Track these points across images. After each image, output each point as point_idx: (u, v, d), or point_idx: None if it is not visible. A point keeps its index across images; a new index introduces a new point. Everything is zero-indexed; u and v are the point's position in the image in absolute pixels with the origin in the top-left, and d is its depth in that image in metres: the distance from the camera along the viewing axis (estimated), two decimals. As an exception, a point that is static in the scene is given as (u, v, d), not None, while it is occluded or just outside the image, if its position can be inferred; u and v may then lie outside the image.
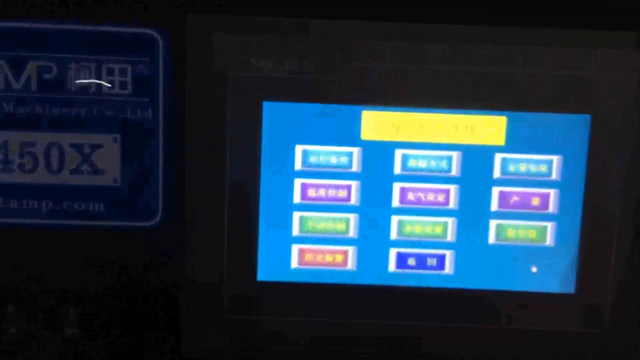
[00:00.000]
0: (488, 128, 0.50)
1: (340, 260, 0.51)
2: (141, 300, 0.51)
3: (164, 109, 0.49)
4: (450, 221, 0.51)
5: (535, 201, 0.51)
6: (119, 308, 0.51)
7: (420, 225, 0.51)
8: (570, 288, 0.52)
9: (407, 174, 0.51)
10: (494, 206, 0.51)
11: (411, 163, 0.50)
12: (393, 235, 0.51)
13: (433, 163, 0.51)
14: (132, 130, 0.49)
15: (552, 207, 0.51)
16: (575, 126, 0.50)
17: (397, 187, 0.51)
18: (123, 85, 0.49)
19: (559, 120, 0.50)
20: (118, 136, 0.49)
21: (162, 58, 0.49)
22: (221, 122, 0.49)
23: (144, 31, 0.49)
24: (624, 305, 0.52)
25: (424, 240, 0.51)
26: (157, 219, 0.50)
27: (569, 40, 0.49)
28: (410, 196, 0.51)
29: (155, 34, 0.49)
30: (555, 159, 0.50)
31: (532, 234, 0.51)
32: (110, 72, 0.49)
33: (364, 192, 0.51)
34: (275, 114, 0.50)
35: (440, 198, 0.51)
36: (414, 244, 0.51)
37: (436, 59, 0.49)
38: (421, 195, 0.51)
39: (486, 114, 0.50)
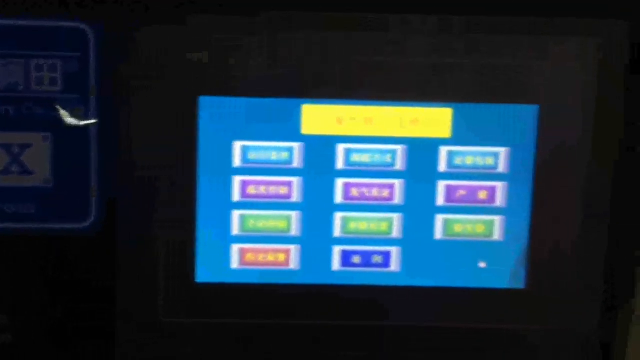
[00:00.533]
0: (433, 120, 0.49)
1: (282, 260, 0.50)
2: (74, 305, 0.49)
3: (96, 106, 0.47)
4: (396, 217, 0.50)
5: (483, 195, 0.50)
6: (51, 313, 0.49)
7: (364, 222, 0.50)
8: (520, 284, 0.51)
9: (350, 169, 0.49)
10: (440, 201, 0.50)
11: (354, 158, 0.49)
12: (337, 232, 0.50)
13: (377, 157, 0.49)
14: (63, 128, 0.48)
15: (499, 201, 0.50)
16: (523, 117, 0.49)
17: (340, 182, 0.49)
18: (53, 82, 0.47)
19: (506, 111, 0.49)
20: (49, 135, 0.47)
21: (94, 53, 0.47)
22: (155, 118, 0.47)
23: (74, 25, 0.47)
24: (575, 300, 0.51)
25: (368, 238, 0.50)
26: (91, 220, 0.48)
27: (516, 29, 0.48)
28: (354, 192, 0.49)
29: (86, 28, 0.47)
30: (503, 151, 0.49)
31: (480, 228, 0.50)
32: (39, 68, 0.47)
33: (306, 188, 0.49)
34: (211, 109, 0.48)
35: (385, 193, 0.49)
36: (358, 242, 0.50)
37: (378, 50, 0.48)
38: (365, 190, 0.49)
39: (431, 106, 0.49)
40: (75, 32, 0.47)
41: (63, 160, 0.48)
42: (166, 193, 0.48)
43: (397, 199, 0.49)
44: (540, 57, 0.48)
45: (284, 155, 0.49)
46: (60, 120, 0.47)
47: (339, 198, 0.49)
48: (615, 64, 0.47)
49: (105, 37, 0.47)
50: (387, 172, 0.49)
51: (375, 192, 0.49)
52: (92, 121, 0.47)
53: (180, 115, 0.48)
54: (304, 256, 0.50)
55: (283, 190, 0.49)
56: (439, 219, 0.50)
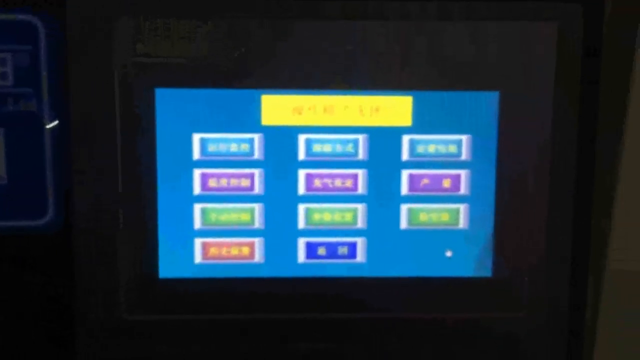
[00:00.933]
0: (394, 109, 0.48)
1: (246, 253, 0.49)
2: (31, 304, 0.47)
3: (49, 99, 0.46)
4: (360, 207, 0.49)
5: (447, 183, 0.49)
6: (7, 312, 0.47)
7: (328, 213, 0.49)
8: (487, 272, 0.50)
9: (312, 160, 0.48)
10: (404, 190, 0.49)
11: (316, 148, 0.48)
12: (301, 224, 0.49)
13: (339, 147, 0.48)
14: (16, 123, 0.46)
15: (463, 189, 0.49)
16: (484, 104, 0.49)
17: (302, 173, 0.48)
18: (4, 76, 0.46)
19: (466, 99, 0.49)
20: (1, 130, 0.46)
21: (45, 45, 0.46)
22: (111, 112, 0.46)
23: (24, 18, 0.46)
24: (542, 287, 0.50)
25: (333, 229, 0.49)
26: (47, 217, 0.47)
27: (475, 14, 0.47)
28: (317, 183, 0.49)
29: (36, 20, 0.46)
30: (465, 138, 0.49)
31: (445, 217, 0.50)
32: (-11, 62, 0.46)
33: (267, 180, 0.48)
34: (168, 102, 0.47)
35: (348, 183, 0.49)
36: (323, 233, 0.49)
37: (336, 38, 0.47)
38: (328, 181, 0.49)
39: (391, 94, 0.48)
40: (25, 25, 0.46)
41: (17, 156, 0.46)
42: (125, 187, 0.47)
43: (361, 189, 0.49)
44: (499, 43, 0.48)
45: (244, 146, 0.48)
46: (11, 115, 0.46)
47: (301, 189, 0.49)
48: (572, 48, 0.47)
49: (57, 30, 0.46)
50: (349, 162, 0.49)
51: (338, 183, 0.49)
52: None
53: (137, 107, 0.47)
54: (268, 249, 0.49)
55: (245, 183, 0.48)
56: (404, 208, 0.49)
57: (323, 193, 0.49)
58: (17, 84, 0.46)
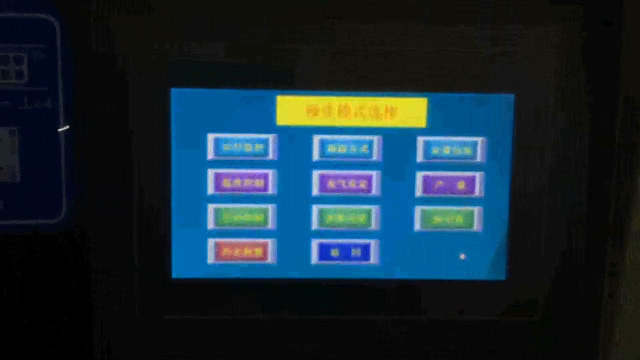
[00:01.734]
0: (409, 110, 0.48)
1: (259, 254, 0.49)
2: (47, 303, 0.47)
3: (64, 98, 0.46)
4: (374, 209, 0.49)
5: (461, 185, 0.49)
6: (23, 312, 0.47)
7: (342, 214, 0.49)
8: (501, 275, 0.50)
9: (326, 161, 0.48)
10: (419, 192, 0.49)
11: (330, 149, 0.48)
12: (314, 225, 0.49)
13: (353, 148, 0.48)
14: (31, 122, 0.46)
15: (478, 191, 0.49)
16: (499, 106, 0.48)
17: (316, 174, 0.48)
18: (19, 74, 0.46)
19: (482, 101, 0.48)
20: (15, 129, 0.46)
21: (60, 44, 0.46)
22: (126, 111, 0.46)
23: (40, 16, 0.46)
24: (556, 290, 0.50)
25: (346, 230, 0.49)
26: (62, 216, 0.47)
27: (491, 18, 0.47)
28: (331, 184, 0.49)
29: (52, 19, 0.46)
30: (480, 140, 0.49)
31: (459, 219, 0.49)
32: (5, 60, 0.46)
33: (281, 180, 0.48)
34: (184, 101, 0.47)
35: (362, 185, 0.49)
36: (336, 234, 0.49)
37: (352, 39, 0.47)
38: (342, 182, 0.49)
39: (406, 96, 0.48)
40: (41, 24, 0.46)
41: (31, 154, 0.47)
42: (139, 187, 0.47)
43: (375, 191, 0.49)
44: (516, 46, 0.48)
45: (259, 147, 0.48)
46: (26, 114, 0.46)
47: (315, 190, 0.48)
48: (587, 50, 0.47)
49: (72, 28, 0.46)
50: (363, 163, 0.48)
51: (352, 184, 0.49)
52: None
53: (152, 107, 0.47)
54: (281, 250, 0.49)
55: (258, 183, 0.48)
56: (417, 210, 0.49)
57: (337, 194, 0.49)
58: (33, 83, 0.46)
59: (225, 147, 0.48)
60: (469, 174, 0.49)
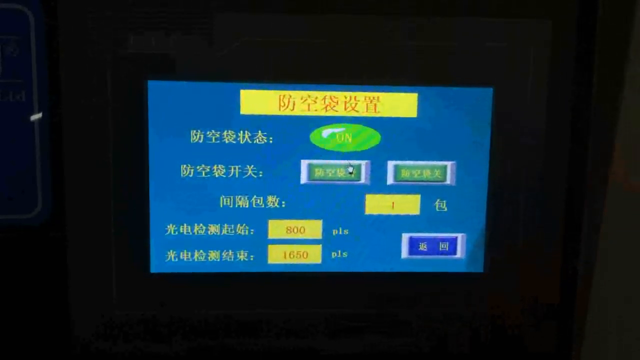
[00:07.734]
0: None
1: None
2: (23, 298, 0.47)
3: (39, 91, 0.45)
4: None
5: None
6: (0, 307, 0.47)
7: None
8: (479, 267, 0.50)
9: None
10: (390, 180, 0.49)
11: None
12: None
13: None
14: (5, 114, 0.45)
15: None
16: (479, 99, 0.49)
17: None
18: (-7, 66, 0.45)
19: (462, 94, 0.48)
20: (-11, 121, 0.45)
21: (35, 36, 0.45)
22: (102, 104, 0.46)
23: (13, 6, 0.45)
24: (534, 283, 0.51)
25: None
26: (37, 210, 0.46)
27: (468, 10, 0.47)
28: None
29: (26, 10, 0.45)
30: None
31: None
32: (-22, 52, 0.45)
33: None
34: (161, 94, 0.46)
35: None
36: None
37: (334, 32, 0.47)
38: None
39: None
40: (15, 15, 0.45)
41: (5, 148, 0.46)
42: (117, 181, 0.47)
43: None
44: (493, 40, 0.48)
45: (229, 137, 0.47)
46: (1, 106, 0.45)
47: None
48: (567, 45, 0.47)
49: (46, 19, 0.45)
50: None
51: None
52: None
53: (129, 100, 0.46)
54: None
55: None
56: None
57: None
58: (6, 75, 0.45)
59: (204, 140, 0.47)
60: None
